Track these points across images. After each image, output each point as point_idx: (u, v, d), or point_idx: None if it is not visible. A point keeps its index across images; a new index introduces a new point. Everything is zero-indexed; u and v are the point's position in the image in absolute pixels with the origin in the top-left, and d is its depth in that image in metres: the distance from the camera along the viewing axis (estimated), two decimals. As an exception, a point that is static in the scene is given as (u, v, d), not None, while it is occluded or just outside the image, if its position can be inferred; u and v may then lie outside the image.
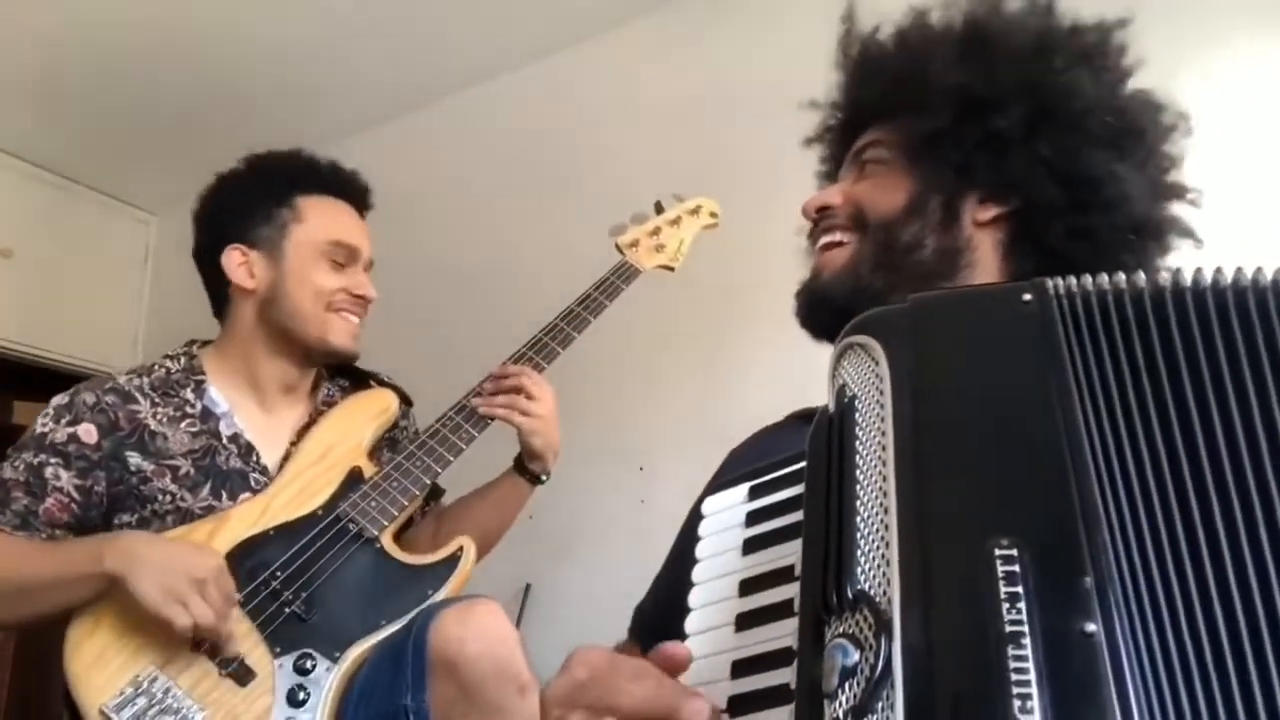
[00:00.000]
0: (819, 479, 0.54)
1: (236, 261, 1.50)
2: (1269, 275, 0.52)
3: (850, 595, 0.47)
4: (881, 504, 0.49)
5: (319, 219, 1.53)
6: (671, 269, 1.69)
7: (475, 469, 1.58)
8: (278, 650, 1.27)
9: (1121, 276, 0.54)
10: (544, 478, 1.57)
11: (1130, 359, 0.51)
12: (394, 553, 1.38)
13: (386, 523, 1.38)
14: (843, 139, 0.98)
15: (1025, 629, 0.42)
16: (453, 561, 1.38)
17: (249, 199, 1.53)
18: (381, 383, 1.63)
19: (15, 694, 2.80)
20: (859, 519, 0.50)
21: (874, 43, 0.94)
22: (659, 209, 1.73)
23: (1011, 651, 0.41)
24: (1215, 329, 0.50)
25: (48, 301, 2.86)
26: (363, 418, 1.54)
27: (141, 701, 1.21)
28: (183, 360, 1.52)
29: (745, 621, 0.56)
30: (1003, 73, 0.82)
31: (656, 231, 1.69)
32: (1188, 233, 0.86)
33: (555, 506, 1.94)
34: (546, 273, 2.11)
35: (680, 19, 2.36)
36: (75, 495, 1.38)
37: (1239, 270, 0.52)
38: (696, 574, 0.61)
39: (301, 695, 1.24)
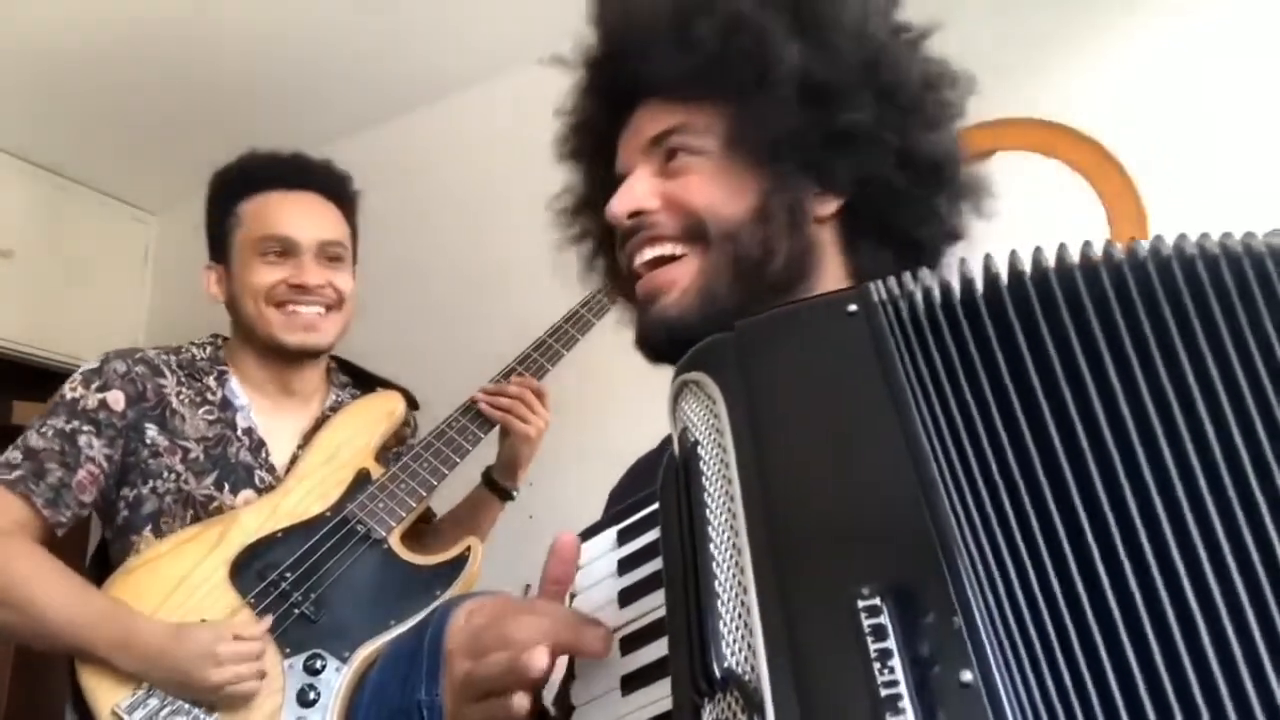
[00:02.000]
0: (672, 539, 0.50)
1: (213, 280, 1.56)
2: (1098, 251, 0.48)
3: (719, 675, 0.42)
4: (737, 563, 0.45)
5: (253, 218, 1.52)
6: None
7: (477, 476, 1.59)
8: (287, 651, 1.28)
9: (950, 269, 0.50)
10: (514, 494, 1.58)
11: (965, 360, 0.48)
12: (402, 553, 1.40)
13: (394, 524, 1.40)
14: (608, 109, 0.83)
15: (901, 689, 0.38)
16: (460, 562, 1.39)
17: (210, 217, 1.57)
18: (388, 385, 1.64)
19: (16, 693, 2.80)
20: (717, 584, 0.45)
21: None
22: None
23: (890, 719, 0.38)
24: (1064, 317, 0.47)
25: (48, 301, 2.85)
26: (369, 419, 1.55)
27: (153, 702, 1.23)
28: (208, 350, 1.55)
29: (631, 684, 0.51)
30: (842, 54, 0.73)
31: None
32: (990, 190, 0.80)
33: (554, 507, 1.95)
34: (546, 275, 2.11)
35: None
36: (105, 466, 1.38)
37: (1087, 247, 0.49)
38: None
39: (311, 695, 1.26)
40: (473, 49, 2.46)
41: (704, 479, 0.49)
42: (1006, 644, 0.40)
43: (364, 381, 1.65)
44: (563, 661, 0.55)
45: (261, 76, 2.51)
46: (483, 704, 0.55)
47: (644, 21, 0.78)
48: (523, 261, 2.41)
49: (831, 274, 0.76)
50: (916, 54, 0.77)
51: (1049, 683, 0.40)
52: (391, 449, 1.58)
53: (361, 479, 1.45)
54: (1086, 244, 0.49)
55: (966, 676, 0.38)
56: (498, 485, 1.57)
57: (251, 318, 1.49)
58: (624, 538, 0.57)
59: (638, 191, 0.77)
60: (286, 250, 1.49)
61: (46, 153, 2.83)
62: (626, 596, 0.54)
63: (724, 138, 0.76)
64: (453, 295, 2.47)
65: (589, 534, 0.60)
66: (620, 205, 0.78)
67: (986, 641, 0.39)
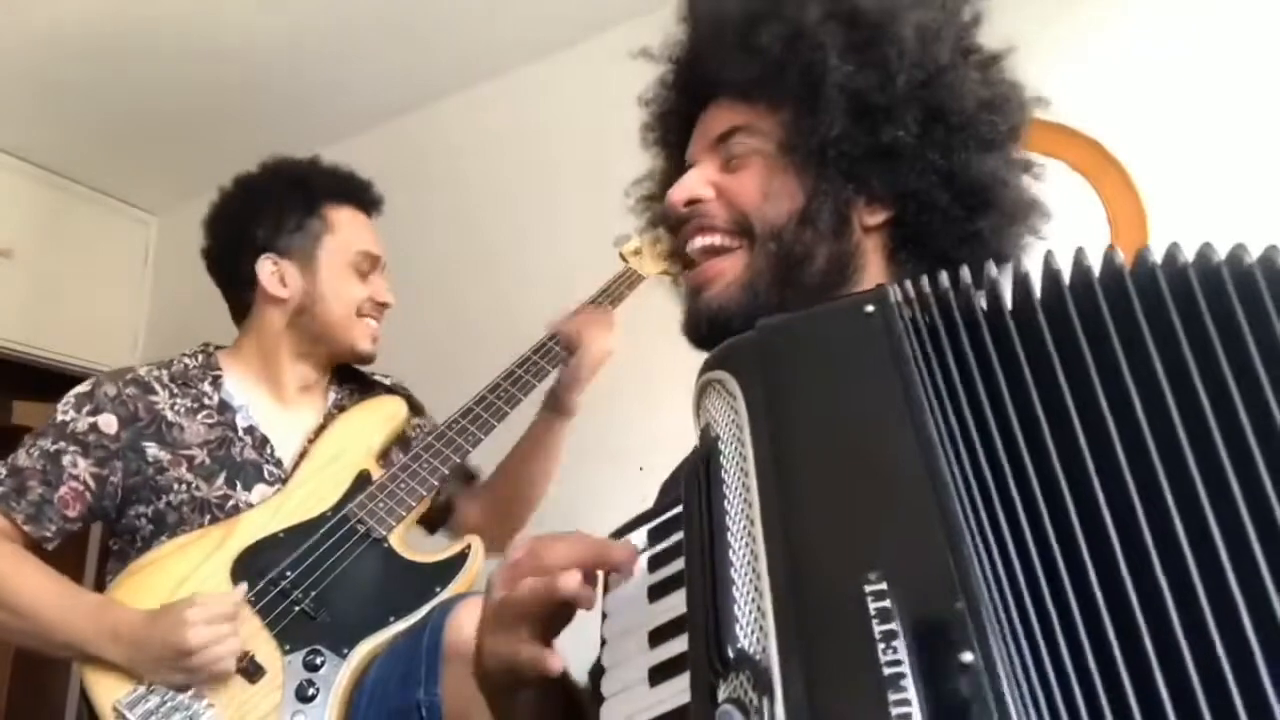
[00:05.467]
0: (693, 529, 0.52)
1: (269, 271, 1.54)
2: (1115, 261, 0.49)
3: (731, 656, 0.44)
4: (752, 550, 0.47)
5: (348, 230, 1.58)
6: (673, 275, 1.70)
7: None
8: (286, 647, 1.28)
9: (966, 273, 0.52)
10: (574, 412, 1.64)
11: (983, 360, 0.50)
12: (402, 552, 1.41)
13: (395, 523, 1.41)
14: (687, 102, 0.89)
15: (904, 668, 0.40)
16: (461, 559, 1.40)
17: (279, 208, 1.56)
18: (390, 389, 1.66)
19: (16, 693, 2.80)
20: (733, 570, 0.47)
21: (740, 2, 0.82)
22: None
23: (892, 696, 0.39)
24: (1075, 324, 0.49)
25: (48, 301, 2.85)
26: (372, 423, 1.57)
27: (154, 699, 1.23)
28: (200, 358, 1.56)
29: (658, 675, 0.52)
30: (895, 73, 0.76)
31: (659, 239, 1.70)
32: (1047, 213, 0.82)
33: (555, 506, 1.95)
34: (547, 273, 2.12)
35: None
36: (91, 484, 1.39)
37: (1078, 254, 0.50)
38: (606, 629, 0.58)
39: (310, 691, 1.26)
40: (471, 52, 2.46)
41: (724, 472, 0.52)
42: (1007, 628, 0.42)
43: (365, 384, 1.67)
44: (598, 609, 0.59)
45: (262, 77, 2.52)
46: (508, 634, 0.58)
47: (718, 23, 0.83)
48: (518, 262, 2.42)
49: (873, 281, 0.79)
50: (981, 75, 0.79)
51: (1047, 665, 0.42)
52: (399, 445, 1.60)
53: (362, 480, 1.47)
54: (1078, 250, 0.50)
55: (967, 657, 0.40)
56: (563, 404, 1.61)
57: (336, 324, 1.55)
58: (654, 537, 0.60)
59: (694, 182, 0.83)
60: (372, 268, 1.59)
61: (46, 153, 2.83)
62: (655, 593, 0.56)
63: (778, 141, 0.80)
64: (445, 297, 2.47)
65: (622, 532, 0.63)
66: (677, 194, 0.83)
67: (988, 624, 0.41)
